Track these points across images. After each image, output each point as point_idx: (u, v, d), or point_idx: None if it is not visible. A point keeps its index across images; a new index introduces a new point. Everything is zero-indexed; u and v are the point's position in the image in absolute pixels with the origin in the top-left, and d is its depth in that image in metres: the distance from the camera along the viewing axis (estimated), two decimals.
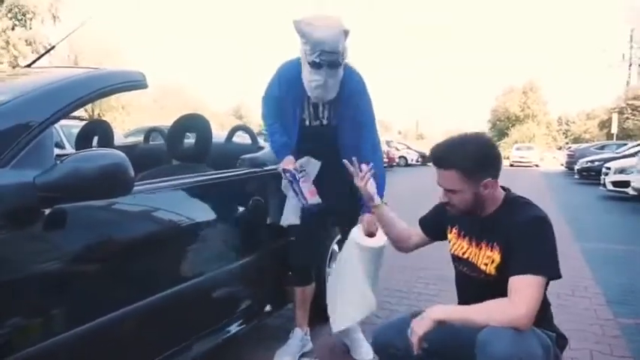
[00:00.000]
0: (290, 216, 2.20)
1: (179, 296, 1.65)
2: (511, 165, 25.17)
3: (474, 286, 1.49)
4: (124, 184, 1.24)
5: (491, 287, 1.38)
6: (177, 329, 1.68)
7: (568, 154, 18.22)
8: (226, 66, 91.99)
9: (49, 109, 1.28)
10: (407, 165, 21.94)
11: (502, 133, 45.35)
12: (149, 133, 3.26)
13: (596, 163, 12.22)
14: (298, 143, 2.18)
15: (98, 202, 1.34)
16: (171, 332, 1.66)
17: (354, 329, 2.33)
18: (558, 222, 5.63)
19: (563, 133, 48.57)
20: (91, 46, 21.17)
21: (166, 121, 4.52)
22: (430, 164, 1.66)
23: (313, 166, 2.18)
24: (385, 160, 15.65)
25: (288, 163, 2.11)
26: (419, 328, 1.33)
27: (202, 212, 1.86)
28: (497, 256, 1.40)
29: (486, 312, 1.29)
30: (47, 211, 1.21)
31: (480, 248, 1.46)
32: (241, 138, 3.32)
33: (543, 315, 1.38)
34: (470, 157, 1.37)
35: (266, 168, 2.31)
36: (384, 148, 15.72)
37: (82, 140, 2.58)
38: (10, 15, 15.55)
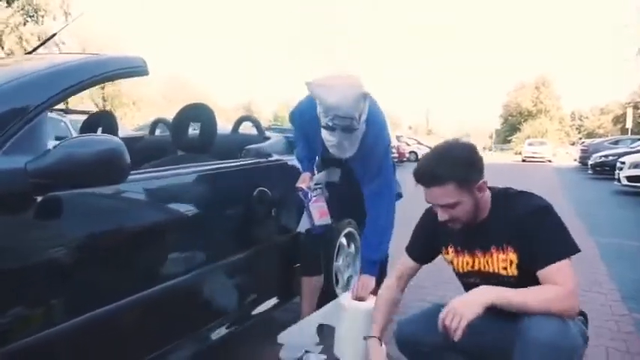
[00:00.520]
0: (306, 224, 2.19)
1: (179, 289, 1.61)
2: (523, 160, 24.85)
3: None
4: (119, 170, 1.20)
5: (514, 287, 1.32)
6: (178, 323, 1.64)
7: (582, 149, 17.92)
8: (230, 65, 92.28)
9: (44, 93, 1.24)
10: (417, 160, 21.77)
11: (514, 129, 44.96)
12: (155, 124, 3.23)
13: (610, 158, 12.00)
14: (322, 155, 2.18)
15: (94, 190, 1.29)
16: (170, 326, 1.61)
17: None
18: (570, 216, 5.53)
19: (577, 129, 48.05)
20: (98, 43, 21.29)
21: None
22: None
23: (334, 173, 2.19)
24: (395, 155, 15.75)
25: (302, 181, 2.12)
26: (469, 312, 1.21)
27: (203, 203, 1.81)
28: (513, 256, 1.37)
29: (540, 294, 1.25)
30: (40, 199, 1.17)
31: (491, 255, 1.41)
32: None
33: None
34: (460, 163, 1.34)
35: (271, 159, 2.26)
36: (394, 142, 15.40)
37: (86, 131, 2.55)
38: (22, 12, 15.72)
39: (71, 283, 1.26)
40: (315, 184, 2.11)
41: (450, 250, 1.52)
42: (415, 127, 55.32)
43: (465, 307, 1.23)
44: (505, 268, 1.38)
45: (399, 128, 41.98)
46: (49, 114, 1.39)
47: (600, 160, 12.79)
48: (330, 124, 1.86)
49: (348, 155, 2.02)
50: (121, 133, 2.69)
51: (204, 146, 2.22)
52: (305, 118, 2.12)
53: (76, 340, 1.27)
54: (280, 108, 41.82)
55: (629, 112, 23.30)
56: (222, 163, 2.01)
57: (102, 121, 2.58)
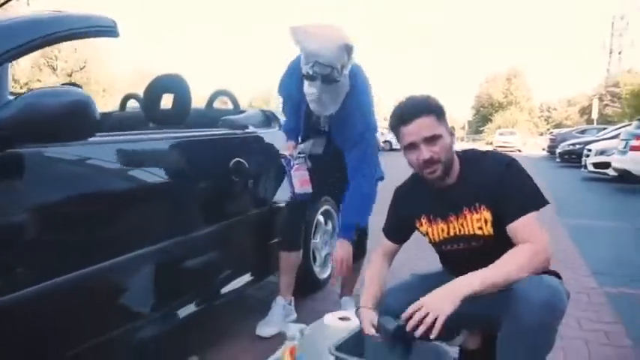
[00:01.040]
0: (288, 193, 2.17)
1: (144, 260, 1.53)
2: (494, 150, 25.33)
3: (476, 258, 1.34)
4: (87, 124, 1.13)
5: (494, 250, 1.30)
6: (141, 297, 1.57)
7: (550, 139, 18.37)
8: (232, 65, 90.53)
9: (4, 44, 1.15)
10: (391, 149, 21.94)
11: (486, 119, 45.73)
12: (125, 99, 3.10)
13: (578, 146, 12.34)
14: (304, 130, 2.16)
15: (56, 149, 1.21)
16: (132, 300, 1.54)
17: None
18: None
19: (545, 120, 49.16)
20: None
21: None
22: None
23: (317, 145, 2.15)
24: None
25: (286, 148, 2.11)
26: (447, 307, 1.16)
27: (175, 171, 1.74)
28: (487, 215, 1.37)
29: (511, 263, 1.22)
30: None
31: (465, 217, 1.40)
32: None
33: None
34: (433, 102, 1.40)
35: (248, 130, 2.20)
36: None
37: None
38: None
39: (31, 249, 1.18)
40: (299, 153, 2.08)
41: (424, 220, 1.51)
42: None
43: (439, 306, 1.17)
44: (480, 228, 1.38)
45: None
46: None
47: (568, 148, 13.13)
48: (311, 72, 1.82)
49: (328, 112, 1.99)
50: None
51: (177, 119, 2.12)
52: (292, 78, 2.07)
53: (36, 310, 1.18)
54: (255, 98, 41.24)
55: (595, 103, 24.00)
56: (197, 131, 1.95)
57: None
